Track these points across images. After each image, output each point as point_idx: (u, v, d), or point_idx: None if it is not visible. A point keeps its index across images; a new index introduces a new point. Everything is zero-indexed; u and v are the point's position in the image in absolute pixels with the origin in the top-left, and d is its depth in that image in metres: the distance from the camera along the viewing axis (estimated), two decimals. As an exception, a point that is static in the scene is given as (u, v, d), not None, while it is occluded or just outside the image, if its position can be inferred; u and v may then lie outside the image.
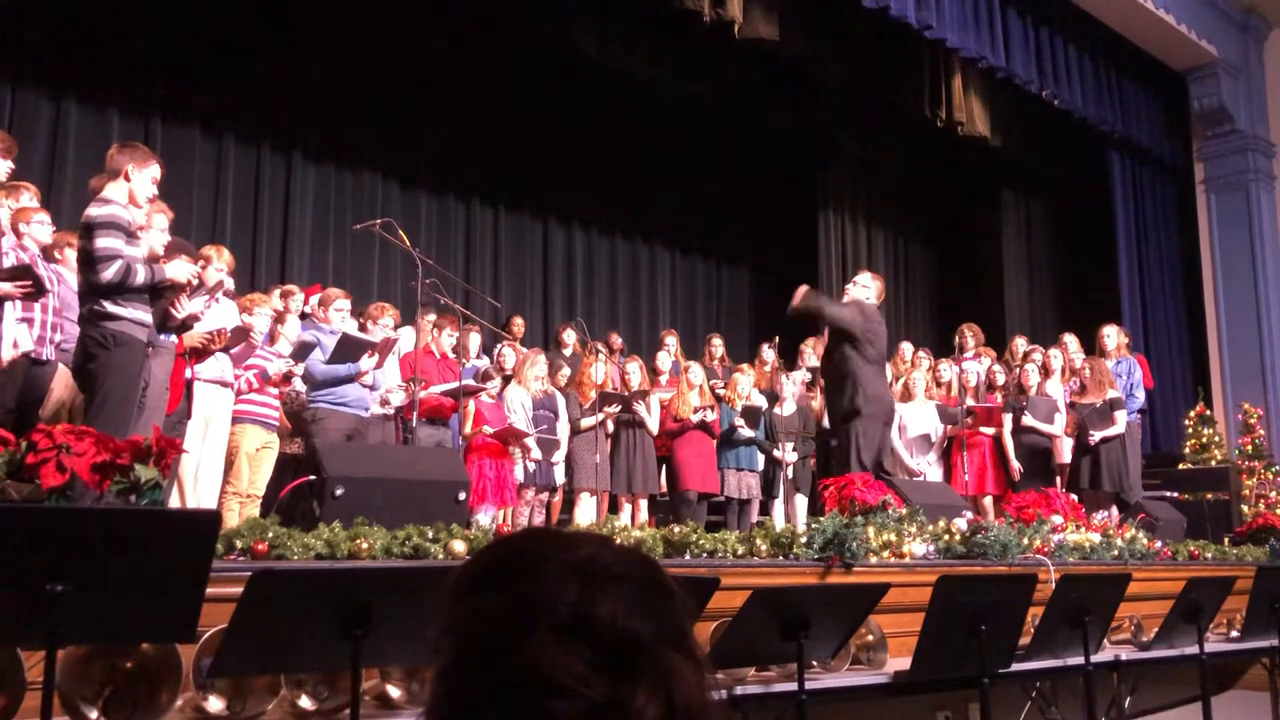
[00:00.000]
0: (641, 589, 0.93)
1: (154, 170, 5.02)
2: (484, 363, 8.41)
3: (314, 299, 7.73)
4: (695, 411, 8.37)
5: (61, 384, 5.42)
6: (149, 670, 2.80)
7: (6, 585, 2.27)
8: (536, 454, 7.73)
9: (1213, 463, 11.37)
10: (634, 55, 10.44)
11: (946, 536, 5.61)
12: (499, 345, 8.82)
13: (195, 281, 5.27)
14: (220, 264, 6.18)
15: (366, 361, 6.79)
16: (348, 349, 6.69)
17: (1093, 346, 9.46)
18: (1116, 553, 6.45)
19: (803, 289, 7.08)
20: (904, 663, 4.04)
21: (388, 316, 7.41)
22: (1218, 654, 5.49)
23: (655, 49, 10.48)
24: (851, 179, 13.96)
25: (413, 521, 4.02)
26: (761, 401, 9.00)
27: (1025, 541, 5.87)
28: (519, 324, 10.30)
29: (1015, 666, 4.24)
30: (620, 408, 8.21)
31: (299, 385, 6.89)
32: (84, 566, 2.30)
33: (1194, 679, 5.09)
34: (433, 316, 7.95)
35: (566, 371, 8.77)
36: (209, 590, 2.54)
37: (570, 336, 9.79)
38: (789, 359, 10.16)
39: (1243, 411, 12.12)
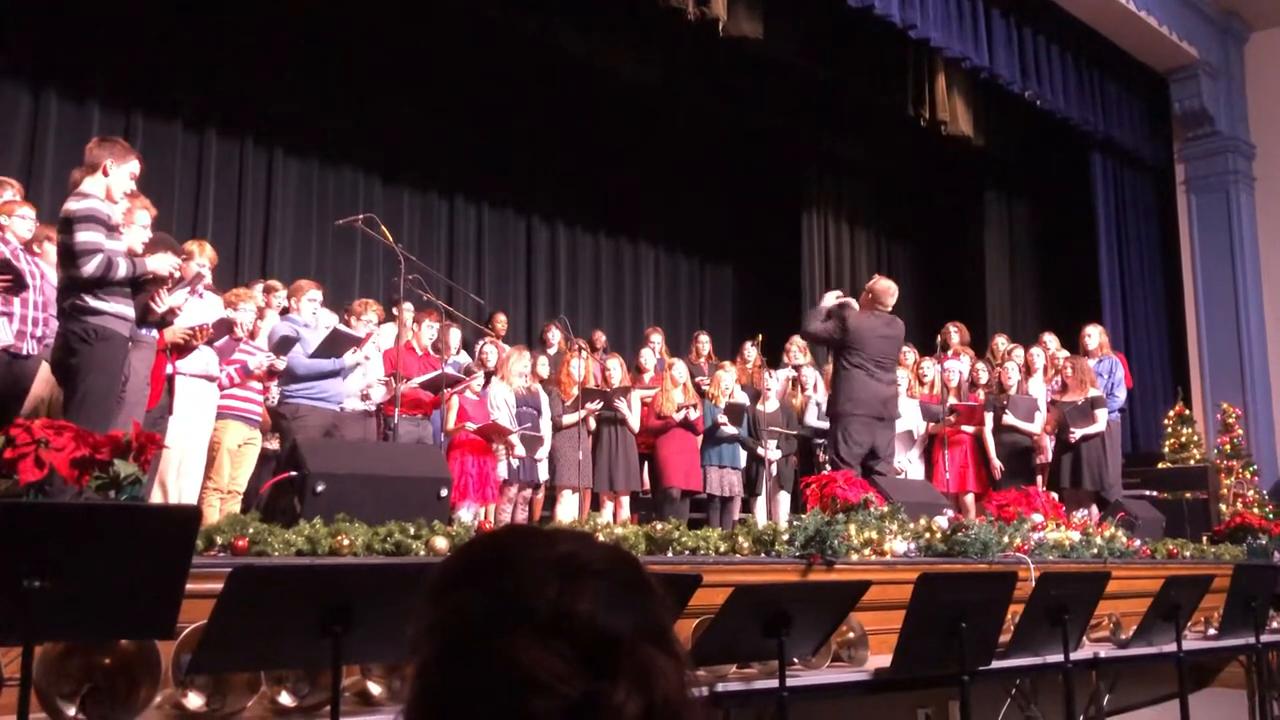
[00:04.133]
0: (621, 586, 0.94)
1: (133, 165, 4.98)
2: (465, 359, 8.40)
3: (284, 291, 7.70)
4: (678, 409, 8.37)
5: (42, 381, 5.37)
6: (128, 667, 2.78)
7: (-16, 581, 2.25)
8: (520, 450, 7.72)
9: (1191, 462, 11.44)
10: (618, 53, 10.43)
11: (927, 534, 5.63)
12: (481, 342, 8.80)
13: (177, 275, 5.24)
14: (202, 259, 6.15)
15: (351, 357, 6.78)
16: (334, 344, 6.67)
17: (1073, 345, 9.51)
18: (1096, 551, 6.49)
19: None
20: (885, 660, 4.05)
21: (370, 313, 7.39)
22: (1195, 652, 5.53)
23: (639, 47, 10.47)
24: (835, 177, 13.99)
25: (394, 518, 4.01)
26: (744, 399, 9.00)
27: (1005, 540, 5.90)
28: (502, 321, 10.29)
29: (995, 664, 4.26)
30: (601, 404, 8.20)
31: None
32: (62, 562, 2.28)
33: (1172, 676, 5.11)
34: (411, 310, 7.91)
35: (544, 361, 8.74)
36: (188, 586, 2.53)
37: (554, 334, 9.78)
38: (772, 356, 10.18)
39: (1221, 411, 12.20)
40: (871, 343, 7.22)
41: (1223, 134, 13.06)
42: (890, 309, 7.46)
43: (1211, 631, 5.91)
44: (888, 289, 7.48)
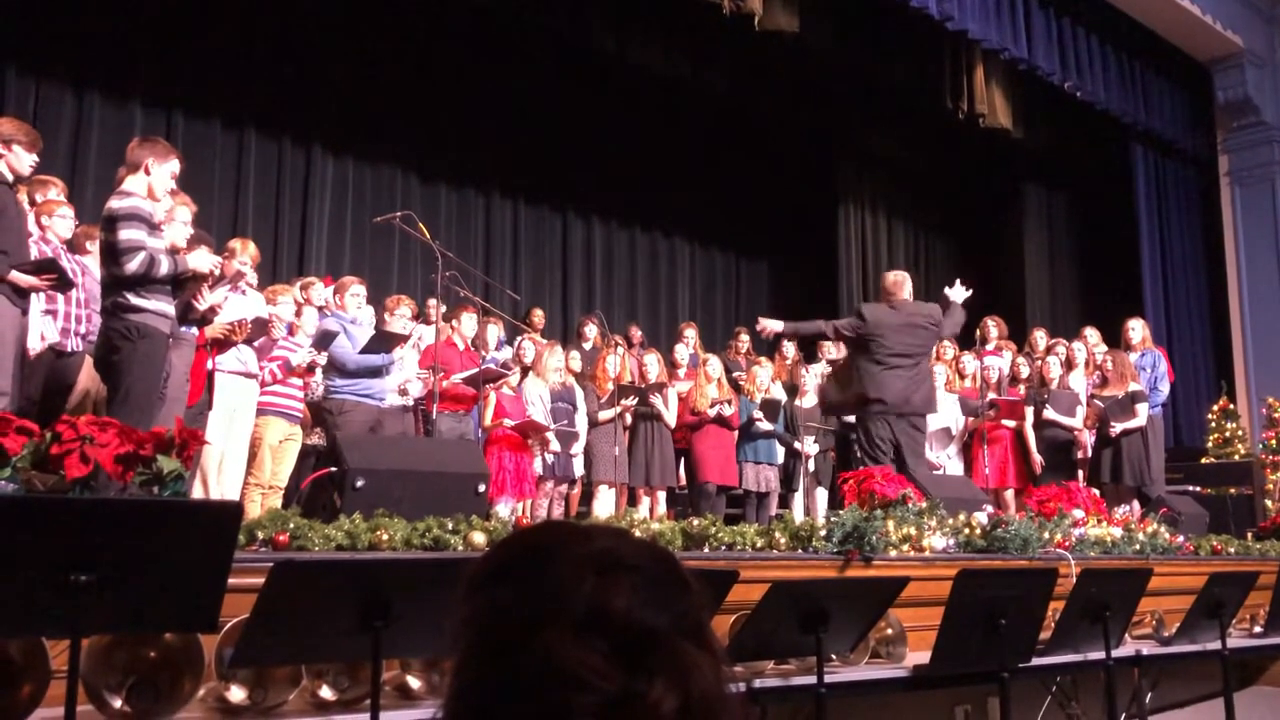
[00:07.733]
0: (657, 581, 0.94)
1: (173, 165, 5.05)
2: (504, 355, 8.43)
3: (329, 289, 7.76)
4: (712, 405, 8.35)
5: (87, 375, 5.46)
6: (172, 660, 2.82)
7: (31, 576, 2.29)
8: (556, 446, 7.75)
9: (1236, 457, 11.29)
10: (653, 49, 10.43)
11: (966, 530, 5.59)
12: (520, 338, 8.83)
13: (217, 273, 5.30)
14: (244, 257, 6.21)
15: (399, 353, 6.85)
16: (382, 341, 6.73)
17: (1114, 339, 9.40)
18: (1138, 547, 6.41)
19: (766, 328, 7.53)
20: (923, 656, 4.02)
21: (404, 308, 7.44)
22: (1240, 649, 5.46)
23: (674, 42, 10.47)
24: (871, 171, 13.92)
25: (433, 513, 4.03)
26: (781, 394, 8.97)
27: (1046, 535, 5.84)
28: (539, 316, 10.32)
29: (1035, 661, 4.23)
30: (637, 400, 8.20)
31: (321, 375, 6.91)
32: (108, 557, 2.31)
33: (1216, 674, 5.06)
34: (444, 308, 7.94)
35: (576, 356, 8.75)
36: (231, 581, 2.55)
37: (591, 330, 9.79)
38: (809, 351, 10.14)
39: (1267, 405, 12.02)
40: (891, 335, 7.02)
41: (1268, 124, 12.85)
42: (906, 298, 7.28)
43: (1257, 629, 5.83)
44: (896, 280, 7.35)
